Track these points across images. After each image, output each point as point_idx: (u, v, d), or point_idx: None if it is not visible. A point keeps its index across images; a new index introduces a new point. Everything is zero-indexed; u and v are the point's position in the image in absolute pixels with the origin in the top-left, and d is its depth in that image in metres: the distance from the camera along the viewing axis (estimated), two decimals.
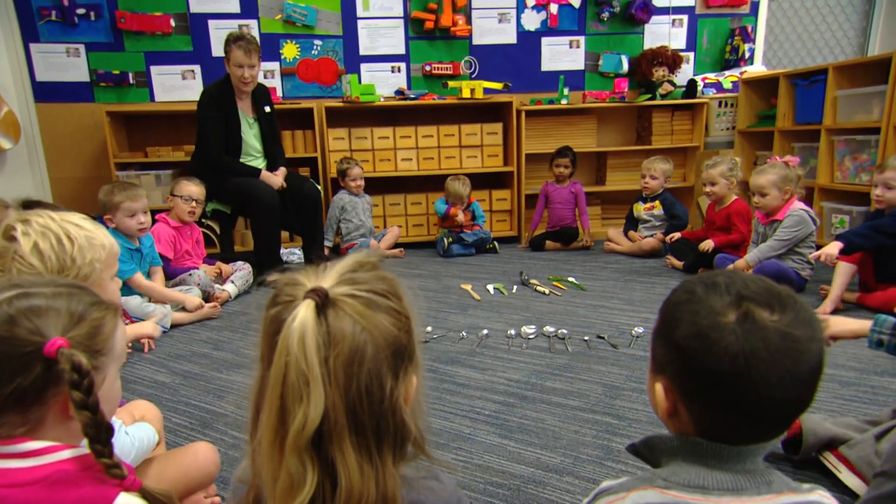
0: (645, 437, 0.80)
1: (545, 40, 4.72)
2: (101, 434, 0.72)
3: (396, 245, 4.33)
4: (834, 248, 2.63)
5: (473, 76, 4.67)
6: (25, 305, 0.73)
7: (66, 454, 0.73)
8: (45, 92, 4.27)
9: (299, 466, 0.61)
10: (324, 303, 0.64)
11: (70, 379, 0.70)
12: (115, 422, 1.26)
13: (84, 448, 0.74)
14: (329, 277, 0.68)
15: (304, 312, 0.62)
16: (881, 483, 0.91)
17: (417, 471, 0.72)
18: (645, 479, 0.74)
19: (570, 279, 3.42)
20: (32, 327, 0.71)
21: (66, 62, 4.25)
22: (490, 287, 3.30)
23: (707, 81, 4.67)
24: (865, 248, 2.69)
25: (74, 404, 0.70)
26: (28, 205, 2.12)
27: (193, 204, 3.23)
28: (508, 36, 4.69)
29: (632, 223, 4.27)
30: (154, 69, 4.35)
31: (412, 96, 4.45)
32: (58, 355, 0.70)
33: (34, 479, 0.70)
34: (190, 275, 3.05)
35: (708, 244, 3.43)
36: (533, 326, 2.60)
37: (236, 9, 4.34)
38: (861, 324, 1.43)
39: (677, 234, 3.79)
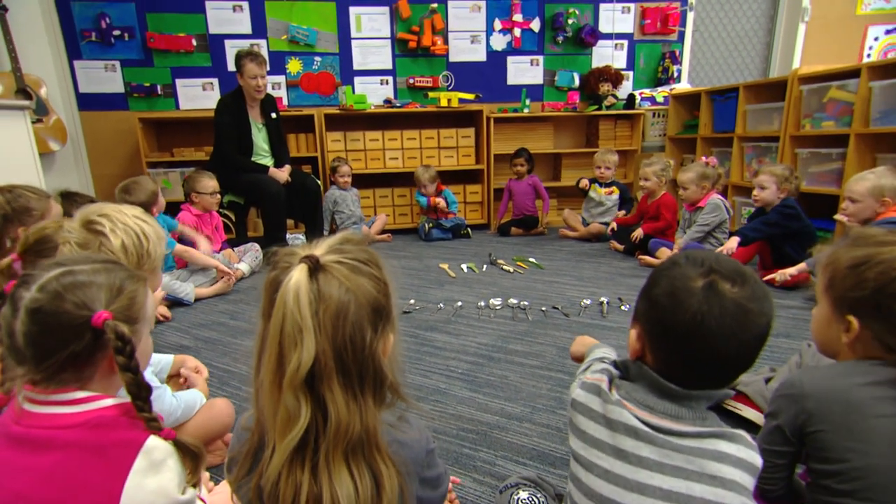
0: (624, 360, 0.82)
1: (510, 59, 4.66)
2: (141, 392, 0.72)
3: (384, 231, 4.27)
4: (733, 242, 2.72)
5: (450, 88, 4.60)
6: (70, 281, 0.72)
7: (110, 402, 0.73)
8: (87, 102, 4.15)
9: (295, 402, 0.62)
10: (315, 267, 0.63)
11: (115, 346, 0.70)
12: (162, 386, 1.25)
13: (123, 397, 0.74)
14: (320, 248, 0.68)
15: (298, 274, 0.62)
16: (769, 422, 0.94)
17: (393, 415, 0.74)
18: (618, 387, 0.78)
19: (531, 259, 3.41)
20: (79, 301, 0.71)
21: (104, 76, 4.13)
22: (464, 266, 3.28)
23: (643, 95, 4.66)
24: (758, 240, 2.77)
25: (119, 367, 0.70)
26: (66, 196, 2.05)
27: (218, 196, 3.20)
28: (479, 55, 4.62)
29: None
30: (179, 82, 4.23)
31: (398, 105, 4.38)
32: (104, 326, 0.70)
33: (78, 423, 0.70)
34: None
35: (638, 233, 3.44)
36: (499, 299, 2.59)
37: (248, 30, 4.22)
38: None
39: (614, 224, 3.79)
